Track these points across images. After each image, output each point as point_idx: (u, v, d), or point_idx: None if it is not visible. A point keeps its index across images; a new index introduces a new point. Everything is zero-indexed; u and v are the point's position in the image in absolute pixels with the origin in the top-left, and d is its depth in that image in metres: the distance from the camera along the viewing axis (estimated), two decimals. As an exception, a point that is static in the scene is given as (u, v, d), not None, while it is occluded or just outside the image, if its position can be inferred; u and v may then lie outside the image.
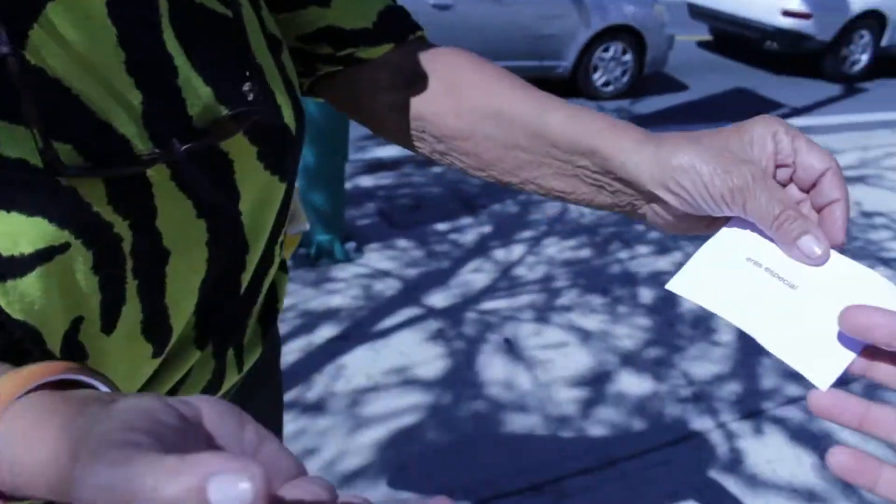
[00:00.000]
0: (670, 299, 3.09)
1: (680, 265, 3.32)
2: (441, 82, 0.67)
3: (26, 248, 0.45)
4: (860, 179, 4.69)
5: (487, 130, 0.64)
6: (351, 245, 3.25)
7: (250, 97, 0.56)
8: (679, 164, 0.53)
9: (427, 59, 0.69)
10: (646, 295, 3.14)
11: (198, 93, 0.54)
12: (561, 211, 3.88)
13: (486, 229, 3.63)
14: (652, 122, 5.76)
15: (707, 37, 9.19)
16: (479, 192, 4.04)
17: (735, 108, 6.38)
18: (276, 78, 0.60)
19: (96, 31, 0.49)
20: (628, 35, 6.23)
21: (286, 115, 0.60)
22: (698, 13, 8.65)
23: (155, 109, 0.51)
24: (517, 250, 3.45)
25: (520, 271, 3.26)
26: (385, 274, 3.15)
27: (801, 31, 7.65)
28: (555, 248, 3.50)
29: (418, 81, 0.68)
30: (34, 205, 0.46)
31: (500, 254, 3.40)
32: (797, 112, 6.42)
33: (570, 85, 6.19)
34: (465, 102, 0.65)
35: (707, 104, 6.44)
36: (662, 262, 3.42)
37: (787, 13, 7.62)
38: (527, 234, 3.62)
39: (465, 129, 0.65)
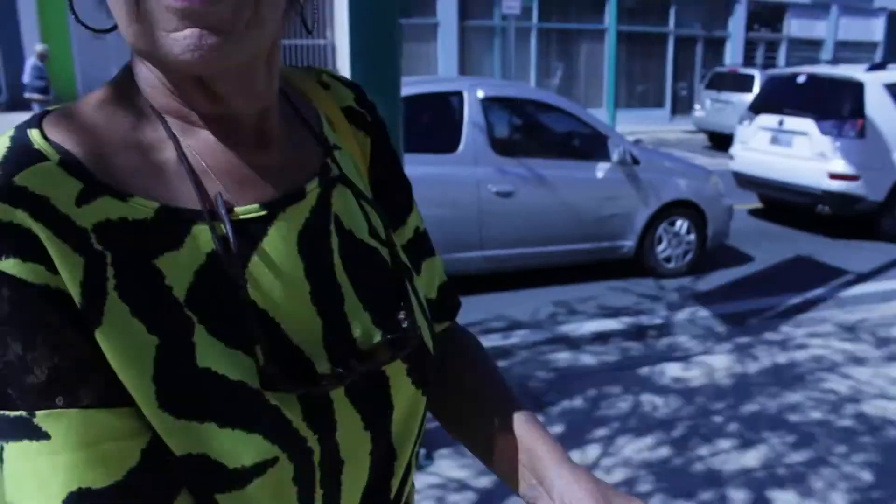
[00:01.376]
0: (762, 502, 2.91)
1: (766, 459, 3.17)
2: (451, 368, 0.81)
3: (247, 461, 0.53)
4: (948, 353, 4.48)
5: (464, 406, 0.79)
6: (421, 452, 3.20)
7: (404, 324, 0.66)
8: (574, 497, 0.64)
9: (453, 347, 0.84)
10: (735, 497, 2.97)
11: (360, 318, 0.64)
12: (633, 405, 3.78)
13: (558, 428, 3.54)
14: (716, 299, 5.69)
15: (757, 205, 9.24)
16: (547, 388, 3.98)
17: (799, 277, 6.28)
18: (416, 302, 0.69)
19: (291, 266, 0.61)
20: (688, 210, 6.29)
21: (425, 336, 0.68)
22: (745, 182, 8.74)
23: (330, 334, 0.62)
24: (592, 452, 3.33)
25: (597, 475, 3.13)
26: (459, 483, 3.06)
27: (852, 193, 7.60)
28: (631, 448, 3.37)
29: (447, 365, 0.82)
30: (252, 422, 0.54)
31: (574, 455, 3.29)
32: (862, 278, 6.28)
33: (634, 263, 6.20)
34: (463, 385, 0.80)
35: (769, 275, 6.36)
36: (748, 458, 3.26)
37: (834, 176, 7.60)
38: (600, 432, 3.51)
39: (445, 394, 0.80)
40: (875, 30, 21.58)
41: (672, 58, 19.05)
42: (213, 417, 0.53)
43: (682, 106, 18.99)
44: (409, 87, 5.59)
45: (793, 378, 4.15)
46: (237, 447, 0.53)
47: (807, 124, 7.89)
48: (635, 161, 6.04)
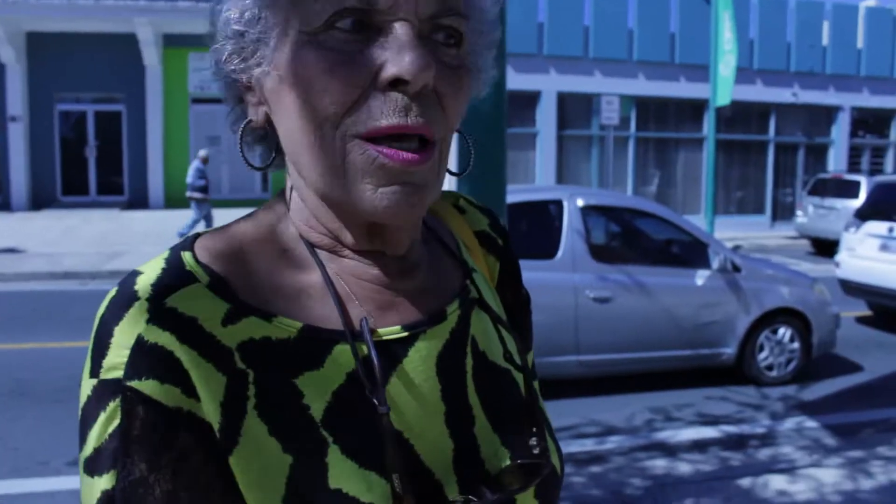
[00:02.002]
0: None
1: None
2: None
3: None
4: None
5: None
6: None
7: (535, 450, 0.66)
8: None
9: None
10: None
11: (489, 440, 0.65)
12: (736, 513, 3.71)
13: (657, 535, 3.51)
14: (824, 409, 5.52)
15: (866, 312, 8.95)
16: (643, 496, 3.95)
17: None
18: (547, 427, 0.71)
19: (429, 387, 0.63)
20: (792, 317, 6.19)
21: (554, 458, 0.69)
22: (853, 289, 8.52)
23: (460, 456, 0.63)
24: (692, 560, 3.29)
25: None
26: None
27: None
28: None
29: None
30: None
31: (674, 564, 3.25)
32: None
33: (734, 371, 6.11)
34: None
35: (881, 386, 6.12)
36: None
37: None
38: (701, 540, 3.46)
39: None
40: None
41: (772, 164, 18.90)
42: None
43: (783, 212, 18.67)
44: (511, 195, 5.83)
45: (909, 496, 3.98)
46: None
47: None
48: (736, 268, 6.04)
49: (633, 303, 5.69)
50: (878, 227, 8.26)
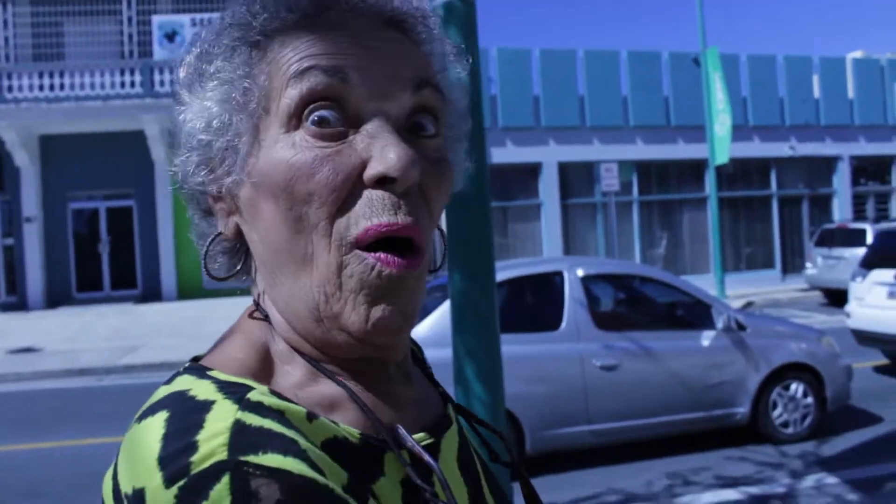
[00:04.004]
0: None
1: None
2: None
3: None
4: None
5: None
6: None
7: None
8: None
9: None
10: None
11: None
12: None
13: None
14: (844, 464, 5.46)
15: (883, 361, 8.89)
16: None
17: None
18: None
19: (459, 491, 0.65)
20: (803, 372, 6.18)
21: None
22: (866, 339, 8.47)
23: None
24: None
25: None
26: None
27: None
28: None
29: None
30: None
31: None
32: None
33: (749, 430, 6.07)
34: None
35: (902, 439, 6.06)
36: None
37: None
38: None
39: None
40: None
41: (778, 218, 19.00)
42: None
43: (792, 265, 18.66)
44: (512, 269, 5.96)
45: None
46: None
47: None
48: (741, 327, 6.07)
49: (640, 368, 5.70)
50: (884, 274, 8.28)
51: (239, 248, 0.66)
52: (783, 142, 18.68)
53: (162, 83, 16.14)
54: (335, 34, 0.58)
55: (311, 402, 0.58)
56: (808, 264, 15.62)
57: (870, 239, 14.06)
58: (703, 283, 11.77)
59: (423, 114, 0.60)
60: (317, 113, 0.56)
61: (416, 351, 0.78)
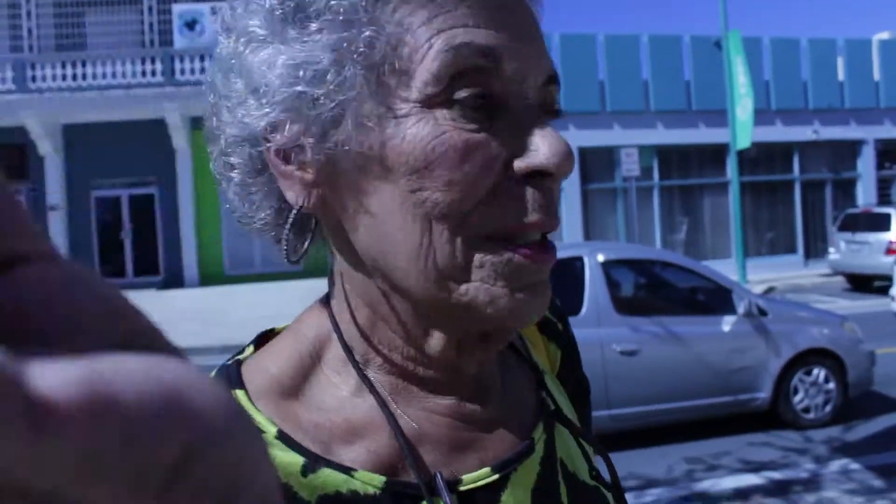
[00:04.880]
0: None
1: None
2: None
3: None
4: None
5: None
6: None
7: None
8: None
9: None
10: None
11: None
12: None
13: (699, 588, 3.48)
14: (869, 450, 5.43)
15: None
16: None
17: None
18: None
19: None
20: (824, 357, 6.15)
21: None
22: None
23: None
24: None
25: None
26: None
27: None
28: None
29: None
30: None
31: None
32: None
33: (771, 415, 6.05)
34: None
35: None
36: None
37: None
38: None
39: None
40: None
41: (800, 202, 18.81)
42: None
43: (815, 250, 18.48)
44: (532, 255, 5.95)
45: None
46: None
47: None
48: (762, 312, 6.04)
49: (660, 353, 5.70)
50: None
51: (308, 224, 0.56)
52: (806, 126, 18.45)
53: (182, 72, 16.25)
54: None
55: (337, 433, 0.53)
56: (832, 249, 15.47)
57: (895, 223, 13.91)
58: (725, 269, 11.68)
59: (553, 87, 0.54)
60: (467, 92, 0.48)
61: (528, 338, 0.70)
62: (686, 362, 5.75)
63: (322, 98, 0.49)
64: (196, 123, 16.85)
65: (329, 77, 0.48)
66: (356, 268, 0.55)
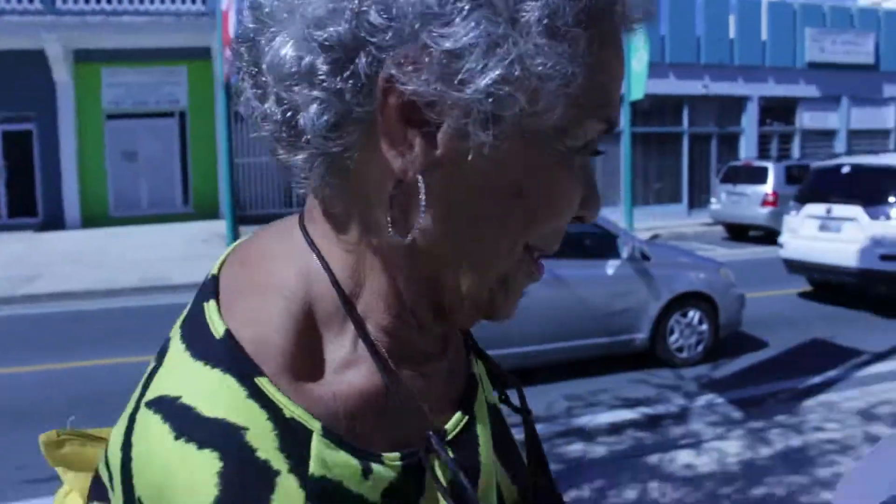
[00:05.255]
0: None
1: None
2: None
3: None
4: (958, 429, 4.54)
5: None
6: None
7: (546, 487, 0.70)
8: None
9: None
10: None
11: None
12: (641, 493, 3.88)
13: (570, 514, 3.66)
14: (732, 386, 5.80)
15: (806, 287, 9.55)
16: (557, 480, 4.10)
17: (812, 360, 6.37)
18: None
19: (491, 467, 0.63)
20: (701, 301, 6.47)
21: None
22: (796, 267, 9.19)
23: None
24: (601, 535, 3.44)
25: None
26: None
27: None
28: (640, 530, 3.46)
29: None
30: None
31: (584, 540, 3.40)
32: (878, 357, 6.37)
33: (648, 354, 6.35)
34: None
35: (784, 360, 6.45)
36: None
37: (885, 257, 8.10)
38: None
39: None
40: (886, 118, 21.98)
41: (687, 154, 19.55)
42: None
43: (699, 200, 19.32)
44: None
45: (805, 461, 4.22)
46: None
47: (855, 210, 8.42)
48: (645, 257, 6.28)
49: (546, 295, 5.83)
50: (817, 208, 8.90)
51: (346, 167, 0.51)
52: (697, 80, 19.09)
53: (65, 0, 15.20)
54: (620, 56, 0.53)
55: (351, 405, 0.53)
56: (713, 200, 16.21)
57: (771, 176, 14.68)
58: (613, 216, 12.08)
59: None
60: (596, 148, 0.55)
61: None
62: (571, 304, 5.94)
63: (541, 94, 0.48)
64: (80, 57, 15.88)
65: (555, 82, 0.48)
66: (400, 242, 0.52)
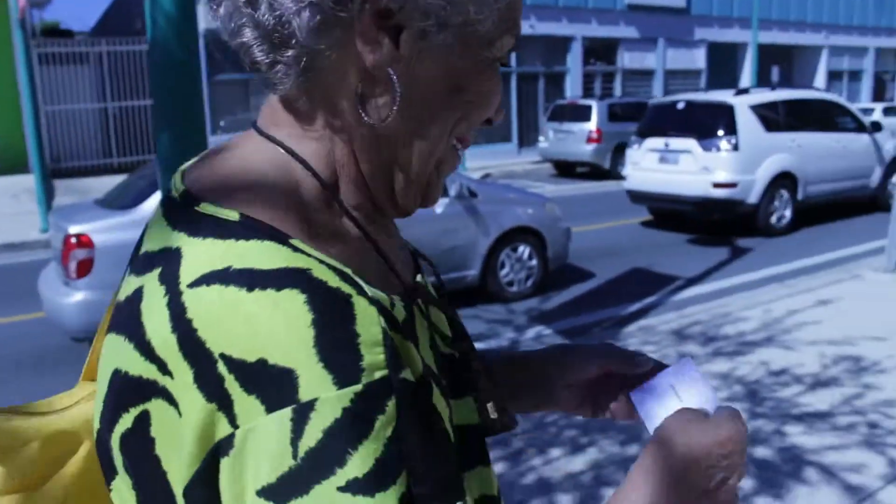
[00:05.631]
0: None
1: (594, 462, 3.31)
2: None
3: (475, 494, 0.66)
4: (767, 340, 4.87)
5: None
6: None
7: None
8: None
9: None
10: (565, 501, 3.11)
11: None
12: None
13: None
14: (561, 316, 5.96)
15: (647, 217, 10.20)
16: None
17: (633, 287, 6.69)
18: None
19: (445, 321, 0.72)
20: (529, 236, 6.57)
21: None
22: (639, 198, 9.84)
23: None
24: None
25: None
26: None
27: (733, 199, 8.90)
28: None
29: None
30: (481, 458, 0.68)
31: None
32: (691, 282, 6.78)
33: (480, 290, 6.40)
34: None
35: (608, 290, 6.73)
36: (577, 463, 3.42)
37: (717, 185, 8.87)
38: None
39: None
40: (697, 59, 23.40)
41: (516, 94, 19.91)
42: (482, 462, 0.68)
43: (528, 139, 19.81)
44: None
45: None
46: (493, 480, 0.69)
47: (690, 143, 9.11)
48: (473, 194, 6.27)
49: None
50: (656, 142, 9.52)
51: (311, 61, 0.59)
52: (524, 20, 19.33)
53: None
54: None
55: (339, 252, 0.59)
56: (542, 138, 16.65)
57: (595, 114, 15.23)
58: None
59: None
60: (507, 60, 0.66)
61: None
62: (400, 243, 5.83)
63: (480, 10, 0.60)
64: None
65: (501, 4, 0.60)
66: (371, 128, 0.61)
